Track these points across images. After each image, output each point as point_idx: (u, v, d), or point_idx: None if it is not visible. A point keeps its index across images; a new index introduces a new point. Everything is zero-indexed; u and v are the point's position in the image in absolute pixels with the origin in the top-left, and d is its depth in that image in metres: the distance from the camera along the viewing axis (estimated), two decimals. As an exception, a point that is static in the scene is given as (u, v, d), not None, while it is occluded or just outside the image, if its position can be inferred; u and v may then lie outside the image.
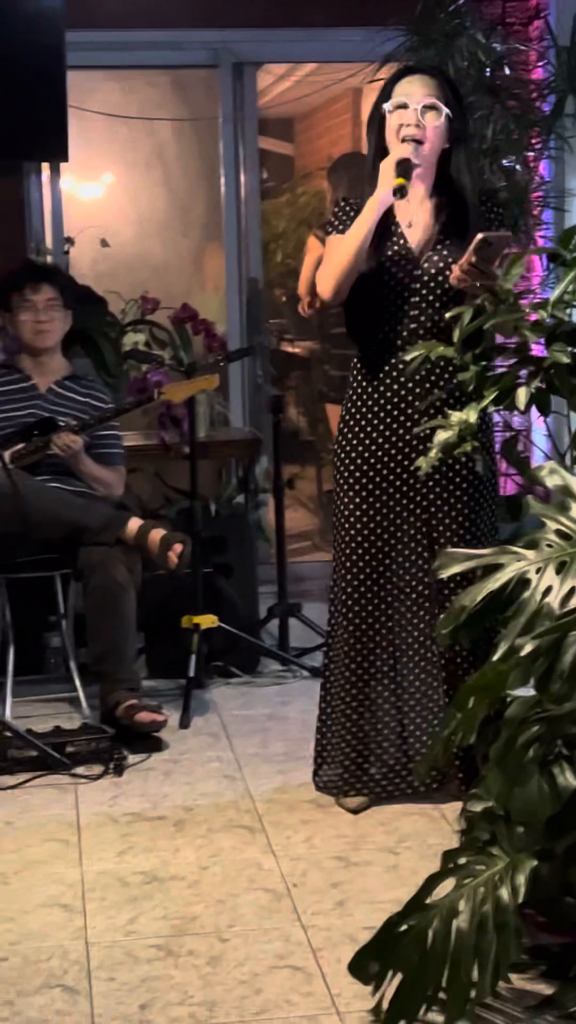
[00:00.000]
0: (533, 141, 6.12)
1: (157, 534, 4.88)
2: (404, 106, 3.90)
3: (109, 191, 7.93)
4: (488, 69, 6.12)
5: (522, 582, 2.91)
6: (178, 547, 4.85)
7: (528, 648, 2.66)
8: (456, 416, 3.22)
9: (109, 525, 4.93)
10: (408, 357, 3.46)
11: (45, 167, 6.47)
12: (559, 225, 6.38)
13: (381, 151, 3.96)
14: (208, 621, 5.18)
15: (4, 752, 4.56)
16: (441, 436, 3.21)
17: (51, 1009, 3.10)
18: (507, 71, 6.23)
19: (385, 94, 3.98)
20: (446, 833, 3.96)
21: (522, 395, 3.16)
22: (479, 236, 3.49)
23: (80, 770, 4.55)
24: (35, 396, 5.25)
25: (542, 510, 3.08)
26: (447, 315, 3.53)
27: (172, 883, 3.75)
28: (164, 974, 3.24)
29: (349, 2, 6.43)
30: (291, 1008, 3.07)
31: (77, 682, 5.15)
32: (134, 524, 4.93)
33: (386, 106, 3.94)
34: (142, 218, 7.94)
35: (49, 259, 6.30)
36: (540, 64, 6.40)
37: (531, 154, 6.14)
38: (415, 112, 3.89)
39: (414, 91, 3.92)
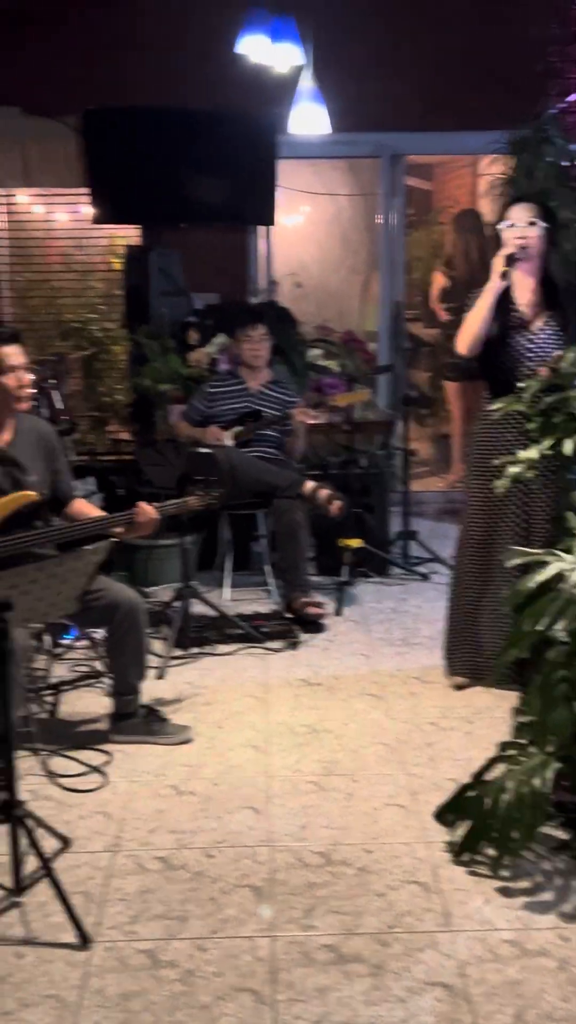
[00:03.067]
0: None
1: (324, 493, 4.86)
2: (512, 225, 3.83)
3: (303, 241, 7.82)
4: (565, 164, 5.87)
5: (560, 576, 2.88)
6: (337, 503, 4.85)
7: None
8: (523, 454, 3.15)
9: (292, 484, 4.93)
10: (493, 407, 3.38)
11: (261, 228, 6.40)
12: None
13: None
14: (356, 543, 5.18)
15: (222, 630, 4.65)
16: (512, 469, 3.15)
17: (244, 824, 3.17)
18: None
19: (501, 218, 3.91)
20: (507, 710, 3.81)
21: (568, 445, 3.08)
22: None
23: (269, 644, 4.60)
24: (248, 394, 5.23)
25: (578, 525, 3.02)
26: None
27: (324, 734, 3.77)
28: (316, 804, 3.28)
29: (468, 114, 6.19)
30: (397, 835, 3.10)
31: (269, 578, 5.21)
32: (309, 485, 4.92)
33: (500, 226, 3.87)
34: (325, 260, 7.84)
35: (262, 295, 6.27)
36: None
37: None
38: (522, 228, 3.81)
39: (520, 215, 3.84)
